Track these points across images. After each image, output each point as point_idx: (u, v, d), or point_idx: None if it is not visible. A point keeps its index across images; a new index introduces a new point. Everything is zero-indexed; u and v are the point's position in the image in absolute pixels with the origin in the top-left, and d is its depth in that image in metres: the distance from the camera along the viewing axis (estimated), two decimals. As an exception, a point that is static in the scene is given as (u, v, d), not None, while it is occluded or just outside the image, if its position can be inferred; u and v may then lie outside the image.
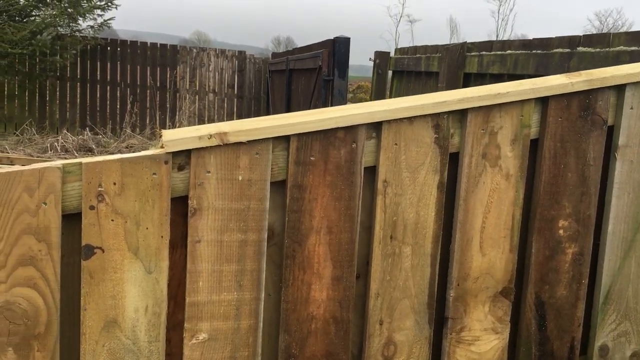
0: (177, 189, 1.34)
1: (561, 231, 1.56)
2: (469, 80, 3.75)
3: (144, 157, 1.29)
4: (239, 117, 12.32)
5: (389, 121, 1.42)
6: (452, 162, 1.50)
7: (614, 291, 1.63)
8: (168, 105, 12.20)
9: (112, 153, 10.30)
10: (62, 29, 11.48)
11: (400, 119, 1.43)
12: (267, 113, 9.57)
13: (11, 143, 10.32)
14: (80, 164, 1.27)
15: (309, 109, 5.64)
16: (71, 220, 1.29)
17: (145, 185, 1.30)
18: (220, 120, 12.25)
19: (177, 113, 12.02)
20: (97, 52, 11.93)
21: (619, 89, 1.56)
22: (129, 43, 12.28)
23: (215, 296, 1.38)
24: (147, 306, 1.33)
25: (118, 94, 12.05)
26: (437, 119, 1.46)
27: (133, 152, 11.03)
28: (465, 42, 3.79)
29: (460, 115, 1.48)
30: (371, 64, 5.28)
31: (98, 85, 12.04)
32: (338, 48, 4.93)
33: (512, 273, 1.55)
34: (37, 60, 11.42)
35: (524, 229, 1.57)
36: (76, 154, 9.94)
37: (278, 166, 1.40)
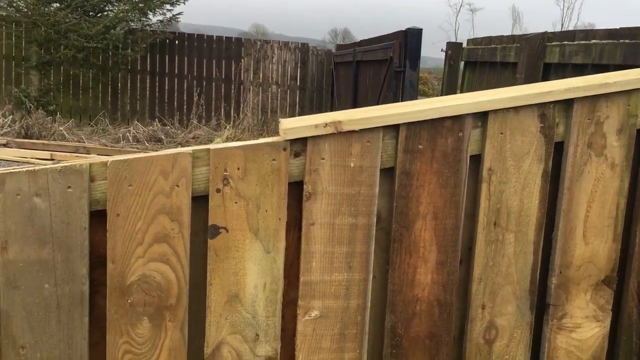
0: (293, 174, 1.42)
1: (666, 221, 1.56)
2: (548, 71, 3.69)
3: (264, 144, 1.39)
4: (302, 108, 12.48)
5: (495, 111, 1.46)
6: (557, 151, 1.52)
7: None
8: (232, 97, 12.49)
9: (181, 144, 10.66)
10: (133, 24, 11.92)
11: (506, 108, 1.46)
12: (331, 104, 9.65)
13: (86, 133, 10.85)
14: (209, 150, 1.38)
15: (379, 100, 5.68)
16: (197, 202, 1.40)
17: (265, 170, 1.39)
18: (283, 111, 12.44)
19: (242, 105, 12.29)
20: (166, 46, 12.34)
21: None
22: (195, 37, 12.62)
23: (327, 276, 1.46)
24: (265, 283, 1.43)
25: (185, 86, 12.43)
26: (542, 109, 1.48)
27: (199, 143, 11.33)
28: (546, 32, 3.74)
29: (566, 105, 1.50)
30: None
31: (166, 78, 12.46)
32: (410, 39, 4.94)
33: (615, 262, 1.56)
34: (110, 54, 11.93)
35: (628, 218, 1.58)
36: (147, 144, 10.35)
37: (387, 154, 1.46)
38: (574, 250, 1.54)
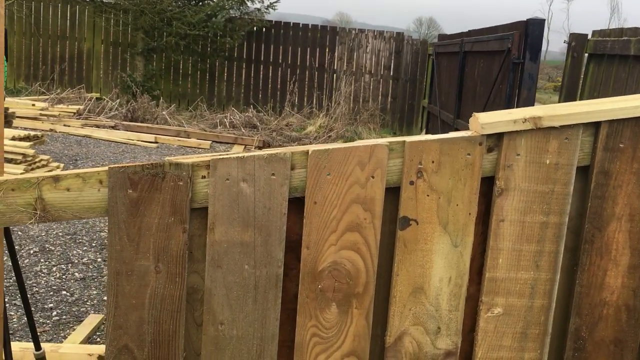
0: (485, 169, 1.41)
1: None
2: (694, 66, 3.45)
3: (460, 138, 1.38)
4: (394, 99, 12.38)
5: None
6: None
7: None
8: (325, 86, 12.57)
9: (275, 130, 10.88)
10: (233, 12, 12.24)
11: None
12: (430, 95, 9.49)
13: (185, 117, 11.30)
14: (404, 142, 1.38)
15: (491, 92, 5.52)
16: (387, 193, 1.41)
17: (459, 164, 1.38)
18: (375, 101, 12.38)
19: (334, 93, 12.35)
20: (262, 34, 12.59)
21: None
22: (291, 25, 12.79)
23: (513, 274, 1.44)
24: (450, 277, 1.43)
25: (279, 74, 12.66)
26: None
27: (292, 130, 11.50)
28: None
29: None
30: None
31: (261, 66, 12.73)
32: (532, 30, 4.76)
33: None
34: (210, 42, 12.33)
35: None
36: (243, 130, 10.64)
37: (583, 152, 1.41)
38: None
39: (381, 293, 1.47)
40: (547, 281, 1.45)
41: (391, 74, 12.50)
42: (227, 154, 1.35)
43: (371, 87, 12.56)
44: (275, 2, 12.47)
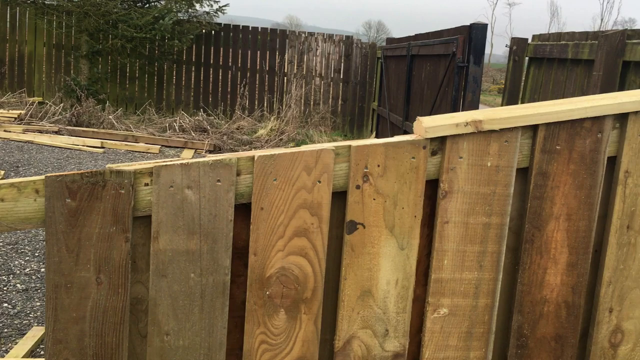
0: (429, 172, 1.43)
1: None
2: (627, 69, 3.61)
3: (405, 142, 1.40)
4: (345, 101, 12.46)
5: (635, 112, 1.44)
6: (694, 155, 1.50)
7: None
8: (276, 89, 12.54)
9: (225, 134, 10.76)
10: (180, 15, 12.05)
11: (648, 110, 1.44)
12: (379, 98, 9.61)
13: (133, 122, 11.04)
14: (350, 146, 1.39)
15: (437, 95, 5.63)
16: (334, 197, 1.42)
17: (404, 168, 1.40)
18: (326, 104, 12.44)
19: (285, 96, 12.33)
20: (211, 37, 12.44)
21: None
22: (240, 28, 12.70)
23: (458, 274, 1.47)
24: (397, 279, 1.45)
25: (229, 77, 12.53)
26: (683, 111, 1.45)
27: (243, 133, 11.40)
28: (626, 29, 3.65)
29: None
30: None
31: (211, 69, 12.58)
32: (475, 34, 4.88)
33: None
34: (157, 45, 12.09)
35: None
36: (193, 134, 10.49)
37: (522, 154, 1.46)
38: None
39: (330, 297, 1.47)
40: (490, 281, 1.48)
41: (341, 76, 12.59)
42: (171, 161, 1.33)
43: (322, 90, 12.61)
44: (225, 5, 12.37)
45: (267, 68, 12.52)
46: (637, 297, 1.52)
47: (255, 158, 1.35)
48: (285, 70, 12.57)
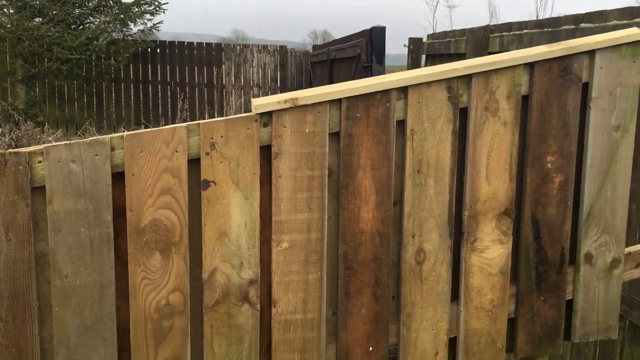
0: (263, 140, 1.89)
1: (549, 164, 2.05)
2: (492, 59, 4.21)
3: (241, 117, 1.86)
4: (282, 108, 12.93)
5: (412, 86, 1.94)
6: (463, 114, 2.01)
7: (594, 211, 2.11)
8: (216, 101, 12.92)
9: (167, 147, 11.07)
10: (115, 34, 12.32)
11: (421, 83, 1.94)
12: (310, 102, 10.10)
13: (75, 142, 11.22)
14: (199, 124, 1.84)
15: (350, 94, 6.16)
16: (192, 164, 1.86)
17: (242, 137, 1.86)
18: (265, 112, 12.87)
19: (225, 108, 12.72)
20: (148, 54, 12.74)
21: (591, 54, 2.04)
22: (176, 44, 13.04)
23: (293, 216, 1.93)
24: (246, 223, 1.90)
25: (169, 93, 12.85)
26: (449, 83, 1.97)
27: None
28: (488, 24, 4.24)
29: (467, 79, 1.99)
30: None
31: (150, 86, 12.86)
32: (375, 37, 5.43)
33: (512, 197, 2.05)
34: (94, 65, 12.32)
35: (520, 163, 2.07)
36: (134, 149, 10.74)
37: (333, 121, 1.93)
38: (480, 189, 2.03)
39: (196, 241, 1.91)
40: (318, 219, 1.95)
41: (278, 85, 13.06)
42: (57, 144, 1.74)
43: (260, 99, 13.01)
44: (158, 23, 12.69)
45: (206, 81, 12.89)
46: (432, 225, 2.02)
47: (124, 136, 1.78)
48: (224, 82, 12.97)
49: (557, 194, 2.07)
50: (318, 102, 1.89)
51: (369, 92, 1.91)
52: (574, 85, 2.03)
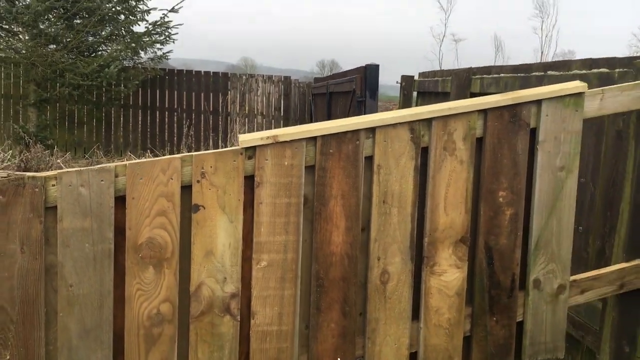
0: (247, 170, 2.17)
1: (501, 199, 2.31)
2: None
3: (228, 151, 2.14)
4: (285, 137, 13.28)
5: (380, 127, 2.22)
6: (424, 153, 2.29)
7: (542, 241, 2.36)
8: (220, 128, 13.29)
9: (171, 172, 11.39)
10: (126, 62, 12.75)
11: (387, 125, 2.23)
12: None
13: (82, 165, 11.57)
14: (192, 155, 2.12)
15: (345, 126, 6.46)
16: (185, 190, 2.14)
17: (229, 167, 2.14)
18: (268, 140, 13.21)
19: (229, 135, 13.08)
20: (157, 82, 13.16)
21: (538, 103, 2.32)
22: (184, 72, 13.48)
23: (272, 238, 2.20)
24: (230, 243, 2.16)
25: (175, 119, 13.22)
26: (412, 125, 2.25)
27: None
28: (471, 67, 4.55)
29: (428, 122, 2.27)
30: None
31: (157, 112, 13.25)
32: (369, 73, 5.76)
33: (467, 227, 2.31)
34: (104, 91, 12.73)
35: (475, 197, 2.33)
36: (140, 174, 11.06)
37: (309, 156, 2.21)
38: (438, 219, 2.29)
39: (186, 258, 2.17)
40: (294, 242, 2.21)
41: (281, 114, 13.43)
42: (69, 170, 2.03)
43: (264, 127, 13.39)
44: (168, 52, 13.14)
45: (211, 109, 13.28)
46: (395, 250, 2.28)
47: (127, 165, 2.07)
48: (229, 110, 13.35)
49: (508, 225, 2.34)
50: (296, 139, 2.18)
51: (340, 131, 2.20)
52: (523, 129, 2.31)
